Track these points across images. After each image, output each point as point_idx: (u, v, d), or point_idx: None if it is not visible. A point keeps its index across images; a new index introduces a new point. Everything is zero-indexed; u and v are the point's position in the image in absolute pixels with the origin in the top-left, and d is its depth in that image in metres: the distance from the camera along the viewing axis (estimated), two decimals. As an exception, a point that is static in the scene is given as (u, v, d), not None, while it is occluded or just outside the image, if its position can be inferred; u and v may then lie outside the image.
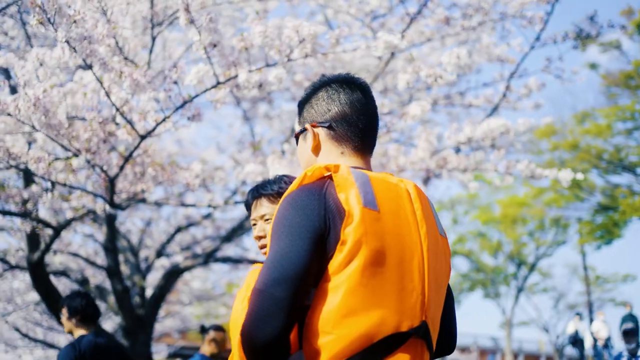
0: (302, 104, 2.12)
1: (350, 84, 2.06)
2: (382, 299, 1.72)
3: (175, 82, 4.12)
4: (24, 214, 7.13)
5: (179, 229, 11.29)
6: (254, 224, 2.52)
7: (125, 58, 5.05)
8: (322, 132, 2.03)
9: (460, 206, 27.66)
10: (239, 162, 7.14)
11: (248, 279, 2.43)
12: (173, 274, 9.83)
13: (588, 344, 17.39)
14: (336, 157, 2.00)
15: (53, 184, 5.17)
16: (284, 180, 2.51)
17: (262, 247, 2.45)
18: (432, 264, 1.85)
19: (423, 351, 1.79)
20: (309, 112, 2.07)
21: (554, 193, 21.41)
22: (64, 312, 4.65)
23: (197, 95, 4.21)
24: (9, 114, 4.27)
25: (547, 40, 7.53)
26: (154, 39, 5.52)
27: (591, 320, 23.88)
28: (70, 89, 5.19)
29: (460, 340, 36.59)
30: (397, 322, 1.73)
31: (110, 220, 9.24)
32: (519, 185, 23.65)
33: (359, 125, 2.01)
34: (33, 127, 4.35)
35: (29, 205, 7.11)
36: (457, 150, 7.36)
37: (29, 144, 6.49)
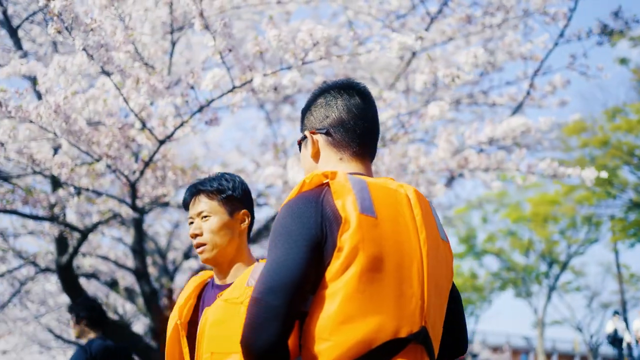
0: (304, 112, 2.13)
1: (348, 89, 2.06)
2: (380, 305, 1.72)
3: (192, 87, 4.16)
4: (52, 218, 7.26)
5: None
6: (191, 222, 2.46)
7: (145, 64, 5.11)
8: (320, 138, 2.04)
9: (489, 205, 27.41)
10: (260, 164, 7.17)
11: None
12: (200, 276, 9.90)
13: (628, 342, 17.05)
14: (335, 163, 2.00)
15: (77, 188, 5.24)
16: (224, 178, 2.48)
17: (198, 245, 2.42)
18: (432, 269, 1.84)
19: (423, 357, 1.78)
20: (308, 120, 2.08)
21: (585, 190, 21.10)
22: (72, 318, 4.86)
23: (213, 100, 4.25)
24: (31, 121, 4.35)
25: (571, 37, 7.44)
26: (174, 44, 5.57)
27: (625, 319, 23.50)
28: (92, 95, 5.27)
29: (492, 340, 36.27)
30: (396, 328, 1.73)
31: (137, 223, 9.35)
32: (549, 183, 23.39)
33: (357, 131, 2.01)
34: (55, 133, 4.42)
35: (57, 210, 7.24)
36: (481, 149, 7.32)
37: (55, 149, 6.61)
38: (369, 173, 2.04)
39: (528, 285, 28.60)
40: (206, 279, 2.57)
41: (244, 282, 2.25)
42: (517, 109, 8.01)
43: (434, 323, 1.84)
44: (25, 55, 7.32)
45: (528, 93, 7.75)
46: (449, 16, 7.16)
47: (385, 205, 1.82)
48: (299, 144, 2.14)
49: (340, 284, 1.71)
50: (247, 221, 2.51)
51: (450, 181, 8.47)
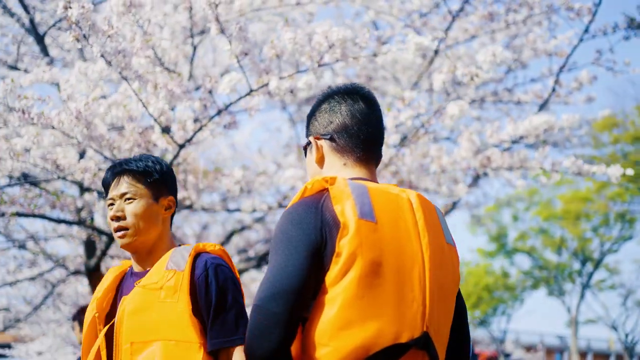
0: (309, 117, 2.13)
1: (352, 94, 2.05)
2: (379, 310, 1.72)
3: (210, 92, 4.19)
4: (79, 222, 7.37)
5: (232, 233, 11.44)
6: (111, 204, 2.30)
7: (167, 69, 5.16)
8: (325, 144, 2.04)
9: (520, 203, 27.12)
10: (282, 166, 7.20)
11: None
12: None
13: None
14: (339, 168, 2.01)
15: (100, 192, 5.31)
16: (151, 160, 2.34)
17: (119, 229, 2.26)
18: (435, 274, 1.83)
19: None
20: (313, 125, 2.09)
21: (618, 187, 20.78)
22: (76, 326, 4.93)
23: (231, 104, 4.28)
24: (53, 127, 4.42)
25: (597, 32, 7.32)
26: (194, 48, 5.61)
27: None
28: (115, 101, 5.34)
29: (526, 339, 35.89)
30: (396, 333, 1.72)
31: (165, 226, 9.43)
32: (580, 180, 23.06)
33: (360, 136, 2.01)
34: (77, 139, 4.49)
35: (84, 214, 7.34)
36: (507, 148, 7.24)
37: (81, 155, 6.70)
38: (373, 178, 2.03)
39: (560, 283, 28.22)
40: (126, 269, 2.42)
41: (163, 266, 2.17)
42: (543, 106, 7.91)
43: (437, 328, 1.83)
44: (51, 61, 7.44)
45: (554, 90, 7.64)
46: (471, 14, 7.11)
47: (386, 210, 1.82)
48: (305, 149, 2.14)
49: (339, 289, 1.72)
50: (172, 208, 2.38)
51: (475, 180, 8.39)
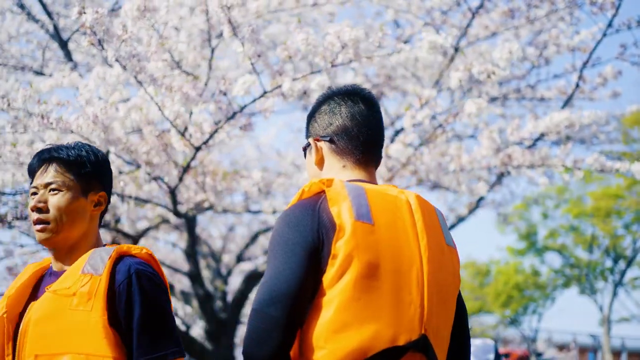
0: (309, 118, 2.12)
1: (353, 96, 2.04)
2: (376, 312, 1.71)
3: (225, 94, 4.21)
4: (103, 225, 7.47)
5: (257, 234, 11.48)
6: (34, 193, 2.07)
7: (184, 72, 5.19)
8: (324, 145, 2.03)
9: (549, 200, 26.77)
10: (301, 167, 7.20)
11: None
12: (252, 278, 10.02)
13: None
14: (338, 170, 2.00)
15: (120, 195, 5.37)
16: (85, 149, 2.11)
17: (39, 221, 2.04)
18: (434, 276, 1.81)
19: None
20: (313, 126, 2.08)
21: (649, 183, 20.42)
22: None
23: (245, 106, 4.29)
24: (71, 131, 4.48)
25: (621, 27, 7.19)
26: (212, 50, 5.64)
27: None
28: (134, 104, 5.40)
29: (558, 338, 35.42)
30: (393, 335, 1.71)
31: (190, 228, 9.52)
32: (611, 177, 22.69)
33: (360, 138, 2.00)
34: (95, 143, 4.54)
35: (108, 216, 7.43)
36: (530, 145, 7.15)
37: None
38: (373, 180, 2.02)
39: (592, 281, 27.80)
40: (47, 265, 2.17)
41: (79, 269, 1.96)
42: (567, 102, 7.80)
43: (436, 331, 1.81)
44: (75, 66, 7.54)
45: (577, 86, 7.53)
46: (491, 11, 7.04)
47: (384, 211, 1.81)
48: (304, 150, 2.13)
49: (335, 292, 1.71)
50: (102, 205, 2.16)
51: (499, 178, 8.31)
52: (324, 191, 1.84)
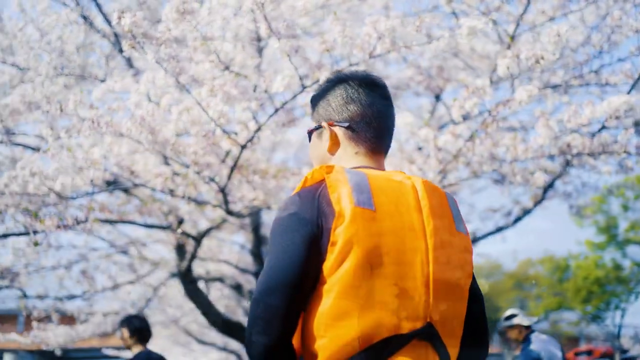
0: (317, 99, 2.05)
1: (369, 83, 1.99)
2: (378, 300, 1.66)
3: (266, 91, 4.22)
4: (166, 227, 7.63)
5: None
6: None
7: (232, 72, 5.24)
8: (339, 131, 1.98)
9: (629, 191, 25.72)
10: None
11: None
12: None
13: None
14: (350, 157, 1.95)
15: (172, 194, 5.47)
16: None
17: None
18: (441, 263, 1.74)
19: (428, 354, 1.70)
20: (325, 109, 2.01)
21: None
22: (124, 332, 5.35)
23: (286, 102, 4.29)
24: (122, 134, 4.59)
25: (690, 4, 6.84)
26: (260, 50, 5.68)
27: None
28: (185, 106, 5.49)
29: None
30: (396, 324, 1.66)
31: (255, 227, 9.63)
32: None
33: (376, 126, 1.95)
34: (143, 145, 4.64)
35: (171, 218, 7.59)
36: (597, 132, 6.87)
37: (165, 159, 6.93)
38: (381, 168, 1.97)
39: (682, 275, 26.59)
40: None
41: None
42: (634, 87, 7.46)
43: (444, 319, 1.74)
44: (137, 73, 7.74)
45: (644, 68, 7.20)
46: (548, -5, 6.81)
47: (387, 197, 1.75)
48: (309, 133, 2.08)
49: (335, 279, 1.67)
50: None
51: (565, 167, 8.02)
52: (324, 178, 1.80)
